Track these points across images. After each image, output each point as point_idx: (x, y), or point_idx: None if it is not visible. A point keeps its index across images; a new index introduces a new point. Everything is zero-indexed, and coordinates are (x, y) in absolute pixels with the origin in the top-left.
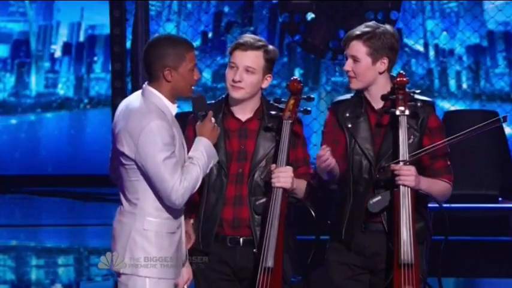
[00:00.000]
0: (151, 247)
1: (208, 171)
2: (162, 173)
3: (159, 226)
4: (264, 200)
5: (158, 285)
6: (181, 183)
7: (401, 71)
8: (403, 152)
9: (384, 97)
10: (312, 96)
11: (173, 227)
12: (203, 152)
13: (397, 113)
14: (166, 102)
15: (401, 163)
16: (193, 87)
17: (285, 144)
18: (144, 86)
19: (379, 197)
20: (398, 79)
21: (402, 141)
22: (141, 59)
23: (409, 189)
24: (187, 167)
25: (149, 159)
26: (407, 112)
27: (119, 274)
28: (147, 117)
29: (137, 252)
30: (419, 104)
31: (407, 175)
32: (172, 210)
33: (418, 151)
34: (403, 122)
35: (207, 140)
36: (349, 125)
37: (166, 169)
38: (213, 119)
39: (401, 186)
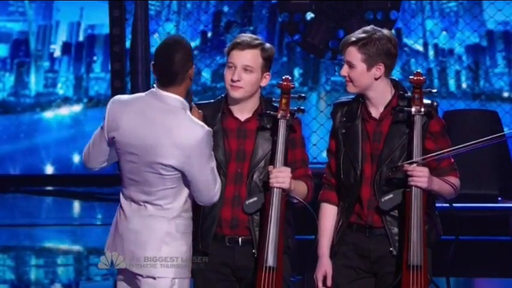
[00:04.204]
0: (181, 247)
1: None
2: (210, 181)
3: (186, 227)
4: (254, 199)
5: (183, 285)
6: (218, 184)
7: (419, 70)
8: (417, 153)
9: (401, 97)
10: (303, 95)
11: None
12: None
13: (413, 112)
14: (187, 105)
15: (414, 164)
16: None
17: (281, 143)
18: (161, 92)
19: (391, 195)
20: (415, 78)
21: (416, 141)
22: (141, 59)
23: (421, 190)
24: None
25: (197, 169)
26: (422, 111)
27: (141, 276)
28: (194, 127)
29: (169, 253)
30: (434, 103)
31: (420, 176)
32: (191, 210)
33: (431, 154)
34: (418, 122)
35: None
36: (343, 131)
37: (213, 176)
38: (200, 111)
39: (413, 187)
